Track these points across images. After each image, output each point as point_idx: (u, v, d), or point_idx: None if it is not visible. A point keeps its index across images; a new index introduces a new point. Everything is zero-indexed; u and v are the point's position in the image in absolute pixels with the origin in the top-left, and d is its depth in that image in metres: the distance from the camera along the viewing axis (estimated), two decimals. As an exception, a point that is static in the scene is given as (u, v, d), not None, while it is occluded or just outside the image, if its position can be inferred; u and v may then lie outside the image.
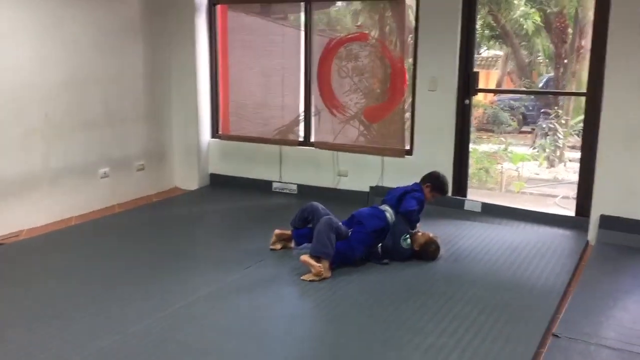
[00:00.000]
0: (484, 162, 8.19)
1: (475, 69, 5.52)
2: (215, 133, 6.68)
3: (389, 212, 4.37)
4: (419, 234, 4.45)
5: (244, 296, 3.73)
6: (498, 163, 8.57)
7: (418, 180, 4.66)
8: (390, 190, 4.70)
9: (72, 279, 4.03)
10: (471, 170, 8.22)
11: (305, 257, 4.02)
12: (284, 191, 6.29)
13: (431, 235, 4.46)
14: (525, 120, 12.34)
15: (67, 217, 5.42)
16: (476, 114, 9.06)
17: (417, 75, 5.57)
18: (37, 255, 4.51)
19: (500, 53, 14.51)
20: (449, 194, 4.88)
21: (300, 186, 6.22)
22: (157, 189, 6.44)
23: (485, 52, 15.05)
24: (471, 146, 8.63)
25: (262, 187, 6.38)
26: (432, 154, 5.58)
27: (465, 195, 5.65)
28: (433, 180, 4.57)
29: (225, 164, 6.62)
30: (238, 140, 6.53)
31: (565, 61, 9.74)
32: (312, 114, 6.14)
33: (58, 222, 5.30)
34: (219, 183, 6.64)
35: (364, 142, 5.98)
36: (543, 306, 3.64)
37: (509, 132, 11.09)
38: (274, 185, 6.35)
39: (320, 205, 4.47)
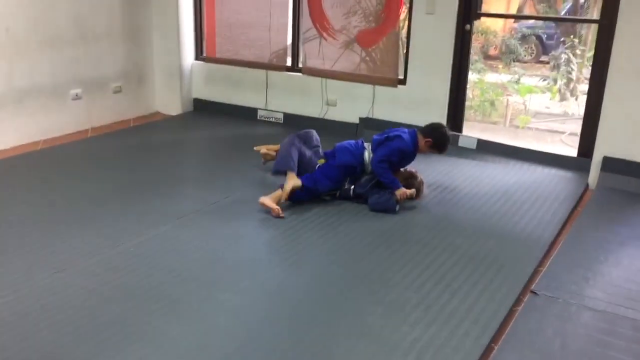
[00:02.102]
0: (490, 93, 7.68)
1: (479, -10, 4.98)
2: (199, 55, 6.24)
3: (368, 152, 3.99)
4: (402, 169, 4.10)
5: (202, 236, 3.44)
6: (507, 95, 8.06)
7: (416, 124, 4.29)
8: (389, 130, 4.18)
9: (36, 205, 3.77)
10: (475, 102, 7.77)
11: (262, 200, 3.75)
12: (270, 119, 5.91)
13: (414, 170, 4.12)
14: (544, 49, 11.63)
15: (35, 141, 5.11)
16: (481, 41, 8.46)
17: (413, -4, 5.06)
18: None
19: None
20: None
21: (286, 115, 5.83)
22: (137, 113, 6.08)
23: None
24: (477, 76, 8.17)
25: (247, 114, 6.00)
26: (427, 85, 5.14)
27: (460, 131, 5.24)
28: (437, 137, 4.01)
29: (209, 89, 6.22)
30: (223, 63, 6.10)
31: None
32: (305, 38, 5.65)
33: (24, 145, 5.00)
34: (202, 108, 6.27)
35: (366, 70, 5.47)
36: (526, 258, 3.32)
37: (526, 62, 10.46)
38: (260, 113, 5.96)
39: (315, 135, 4.21)
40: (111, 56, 5.70)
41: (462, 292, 2.92)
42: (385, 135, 4.00)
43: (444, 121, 5.13)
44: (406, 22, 5.24)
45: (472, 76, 8.37)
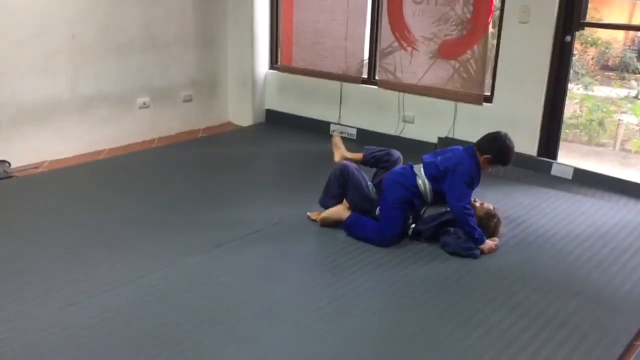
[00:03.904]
0: (599, 111, 6.81)
1: (586, -4, 4.30)
2: (274, 64, 5.93)
3: (422, 178, 3.40)
4: (476, 204, 3.50)
5: (233, 271, 3.06)
6: (622, 112, 7.13)
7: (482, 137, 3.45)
8: (442, 150, 3.62)
9: (70, 223, 3.57)
10: (582, 120, 6.94)
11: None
12: (342, 135, 5.46)
13: (491, 207, 3.52)
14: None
15: (98, 150, 4.99)
16: (592, 53, 7.57)
17: (505, 3, 4.45)
18: (49, 188, 4.14)
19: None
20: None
21: (360, 131, 5.38)
22: (208, 122, 5.86)
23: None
24: (585, 92, 7.29)
25: (320, 128, 5.61)
26: (517, 103, 4.52)
27: (555, 157, 4.56)
28: (496, 151, 3.34)
29: (282, 100, 5.89)
30: (297, 73, 5.75)
31: None
32: (383, 48, 5.15)
33: (87, 154, 4.89)
34: (274, 120, 5.95)
35: (459, 84, 4.84)
36: (619, 326, 2.68)
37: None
38: (332, 127, 5.55)
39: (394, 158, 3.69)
40: (182, 64, 5.51)
41: (530, 369, 2.35)
42: (444, 166, 3.34)
43: (534, 146, 4.51)
44: (496, 32, 4.64)
45: (579, 91, 7.53)
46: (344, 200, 3.55)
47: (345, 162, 3.56)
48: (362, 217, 3.45)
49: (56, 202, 3.91)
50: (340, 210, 3.52)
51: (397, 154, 3.69)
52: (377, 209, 3.44)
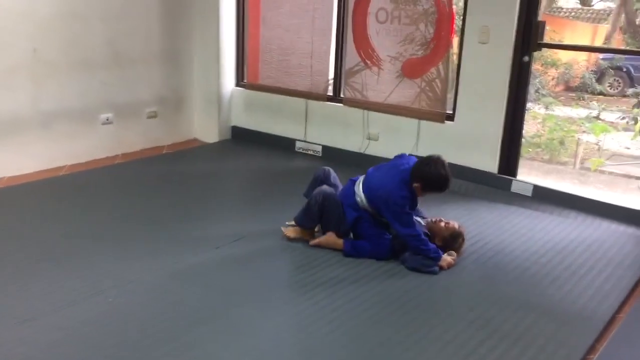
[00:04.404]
0: (560, 131, 6.98)
1: (541, 18, 4.40)
2: (240, 80, 5.94)
3: (360, 197, 3.43)
4: (442, 224, 3.52)
5: (180, 289, 3.04)
6: (582, 132, 7.32)
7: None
8: (382, 165, 3.62)
9: (27, 239, 3.48)
10: (543, 139, 7.10)
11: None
12: (308, 152, 5.51)
13: (457, 226, 3.54)
14: (632, 82, 10.84)
15: (59, 166, 4.91)
16: (553, 74, 7.78)
17: (465, 23, 4.55)
18: (7, 204, 4.05)
19: (613, 5, 12.92)
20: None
21: (325, 148, 5.41)
22: (173, 139, 5.82)
23: (597, 3, 13.59)
24: (546, 112, 7.49)
25: (285, 145, 5.62)
26: (478, 122, 4.60)
27: (514, 175, 4.64)
28: (425, 180, 3.28)
29: (248, 116, 5.90)
30: (263, 90, 5.76)
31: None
32: (348, 67, 5.20)
33: (47, 170, 4.80)
34: (240, 137, 5.95)
35: (426, 102, 4.88)
36: (573, 340, 2.72)
37: (611, 95, 9.69)
38: (297, 144, 5.57)
39: (332, 175, 3.75)
40: (147, 80, 5.48)
41: (484, 384, 2.37)
42: (375, 194, 3.35)
43: (495, 164, 4.59)
44: (457, 52, 4.74)
45: (541, 111, 7.72)
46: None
47: (327, 189, 3.50)
48: (355, 242, 3.46)
49: (14, 218, 3.83)
50: (334, 240, 3.47)
51: (320, 172, 3.74)
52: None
